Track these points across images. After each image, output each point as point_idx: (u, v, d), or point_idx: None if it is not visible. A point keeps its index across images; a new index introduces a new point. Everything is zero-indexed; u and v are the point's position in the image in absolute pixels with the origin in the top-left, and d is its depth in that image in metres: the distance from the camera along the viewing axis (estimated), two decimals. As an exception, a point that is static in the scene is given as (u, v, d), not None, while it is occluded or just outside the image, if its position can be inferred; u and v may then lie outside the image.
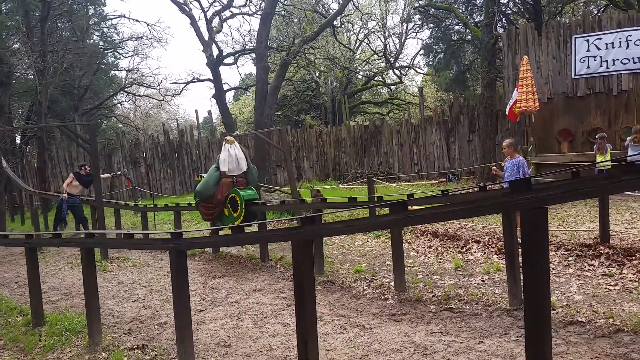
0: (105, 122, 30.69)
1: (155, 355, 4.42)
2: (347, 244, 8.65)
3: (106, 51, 28.69)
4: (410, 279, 6.11)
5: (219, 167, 7.58)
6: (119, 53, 30.25)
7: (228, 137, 7.97)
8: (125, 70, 31.29)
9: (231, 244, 7.50)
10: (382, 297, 5.60)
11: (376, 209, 7.70)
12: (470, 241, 7.66)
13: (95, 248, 5.59)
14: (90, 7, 27.15)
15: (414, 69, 31.90)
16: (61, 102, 24.43)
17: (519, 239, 5.63)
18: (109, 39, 29.43)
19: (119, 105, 33.81)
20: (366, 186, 11.36)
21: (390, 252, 6.62)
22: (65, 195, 11.25)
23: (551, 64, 12.81)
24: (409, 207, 4.99)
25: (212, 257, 8.67)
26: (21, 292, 7.13)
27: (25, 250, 5.83)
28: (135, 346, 4.56)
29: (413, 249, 7.83)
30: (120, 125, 31.91)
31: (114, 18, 28.72)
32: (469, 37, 22.46)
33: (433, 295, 5.48)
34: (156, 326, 5.26)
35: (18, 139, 23.57)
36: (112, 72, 30.62)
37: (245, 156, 7.72)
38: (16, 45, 22.60)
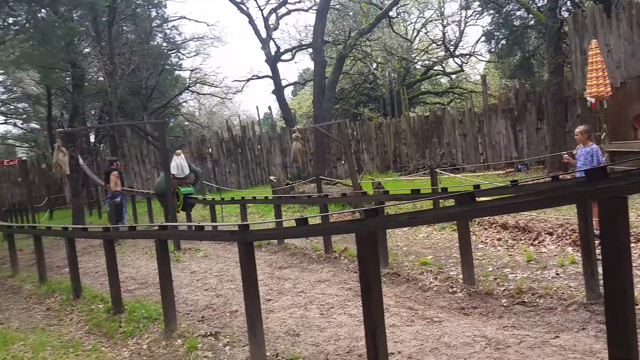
0: (172, 120, 31.91)
1: (228, 342, 4.58)
2: (411, 236, 8.56)
3: (170, 52, 29.76)
4: (480, 272, 5.97)
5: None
6: (181, 53, 31.30)
7: (177, 151, 11.41)
8: (188, 70, 32.37)
9: (296, 236, 7.62)
10: (450, 290, 5.51)
11: (440, 200, 7.57)
12: (542, 233, 7.37)
13: (169, 240, 5.85)
14: (152, 9, 28.21)
15: (475, 57, 30.90)
16: (130, 102, 25.63)
17: (595, 230, 5.37)
18: (171, 40, 30.50)
19: (184, 103, 35.05)
20: (428, 178, 11.17)
21: (457, 244, 6.49)
22: (118, 199, 11.44)
23: (623, 46, 12.03)
24: (477, 198, 4.89)
25: (277, 249, 8.85)
26: (101, 281, 7.58)
27: (103, 243, 6.19)
28: (209, 333, 4.74)
29: (481, 241, 7.63)
30: (186, 123, 33.08)
31: (175, 19, 29.72)
32: (532, 22, 21.48)
33: (504, 289, 5.32)
34: (228, 314, 5.44)
35: (92, 138, 25.00)
36: (177, 72, 31.74)
37: (188, 164, 11.38)
38: (87, 50, 23.93)
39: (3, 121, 30.60)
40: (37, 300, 6.92)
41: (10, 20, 21.93)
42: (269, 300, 5.72)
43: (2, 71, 26.42)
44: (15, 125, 31.32)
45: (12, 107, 29.25)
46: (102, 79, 22.87)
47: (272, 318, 5.11)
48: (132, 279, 7.58)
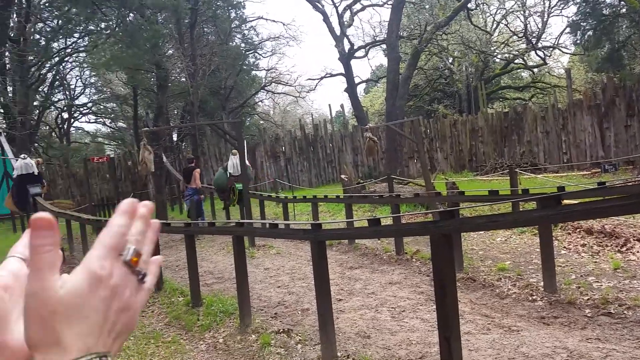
0: (248, 119, 32.88)
1: (300, 340, 4.66)
2: (488, 240, 8.26)
3: (247, 52, 30.64)
4: (562, 279, 5.65)
5: (226, 170, 11.96)
6: (258, 54, 32.13)
7: (233, 151, 11.82)
8: (264, 69, 33.18)
9: (368, 237, 7.59)
10: (530, 298, 5.26)
11: (520, 203, 7.25)
12: (631, 239, 6.84)
13: (244, 236, 6.03)
14: (231, 10, 29.16)
15: (559, 49, 29.22)
16: (210, 102, 26.70)
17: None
18: (249, 40, 31.39)
19: (260, 103, 36.00)
20: (507, 178, 10.72)
21: (538, 249, 6.19)
22: (200, 196, 12.35)
23: None
24: (562, 202, 4.62)
25: (348, 248, 8.87)
26: (181, 275, 7.97)
27: (184, 237, 6.50)
28: (281, 330, 4.84)
29: (564, 247, 7.22)
30: (261, 122, 33.96)
31: (253, 20, 30.54)
32: (624, 10, 19.94)
33: (588, 298, 5.01)
34: (299, 312, 5.53)
35: (175, 137, 26.31)
36: (253, 72, 32.62)
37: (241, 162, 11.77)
38: (170, 51, 25.19)
39: (93, 120, 33.03)
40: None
41: (102, 25, 23.60)
42: (340, 300, 5.75)
43: (94, 73, 28.55)
44: (104, 124, 33.73)
45: (101, 107, 31.50)
46: (184, 79, 23.97)
47: (342, 318, 5.13)
48: (210, 273, 7.90)
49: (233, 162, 12.02)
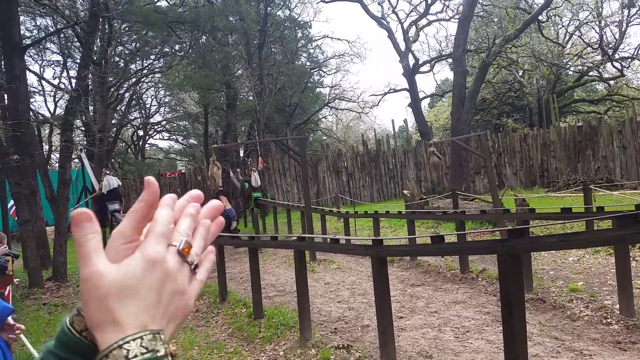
0: (311, 135, 33.34)
1: (360, 356, 4.62)
2: (560, 259, 7.85)
3: (312, 70, 31.19)
4: (640, 302, 5.27)
5: (247, 182, 16.11)
6: (323, 71, 32.62)
7: (253, 168, 16.34)
8: (328, 86, 33.60)
9: (431, 254, 7.43)
10: (604, 321, 4.93)
11: (595, 221, 6.87)
12: None
13: (306, 250, 6.10)
14: (298, 31, 29.87)
15: (638, 60, 27.49)
16: (275, 119, 27.36)
17: None
18: (314, 59, 31.96)
19: (323, 119, 36.42)
20: (581, 195, 10.15)
21: (613, 270, 5.83)
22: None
23: None
24: None
25: (409, 265, 8.72)
26: (244, 287, 8.15)
27: (248, 250, 6.66)
28: (341, 346, 4.83)
29: (643, 268, 6.73)
30: (324, 138, 34.33)
31: (318, 39, 31.11)
32: None
33: (672, 325, 4.63)
34: (359, 328, 5.49)
35: (242, 152, 27.13)
36: (318, 89, 33.14)
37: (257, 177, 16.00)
38: (239, 72, 26.13)
39: (167, 137, 34.74)
40: (189, 301, 7.66)
41: (177, 47, 24.91)
42: (401, 317, 5.65)
43: (168, 93, 30.12)
44: (177, 141, 35.38)
45: (174, 124, 33.11)
46: (251, 98, 24.75)
47: (403, 336, 5.04)
48: (272, 286, 8.03)
49: (254, 177, 15.79)
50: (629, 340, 4.42)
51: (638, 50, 27.38)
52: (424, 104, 34.06)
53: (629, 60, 27.35)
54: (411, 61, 25.99)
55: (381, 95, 31.17)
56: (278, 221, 15.18)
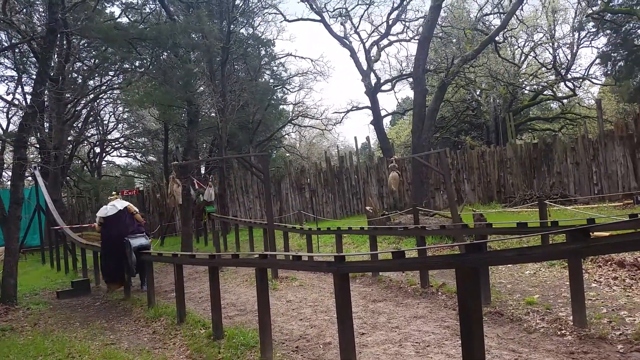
0: (274, 152, 33.29)
1: (321, 375, 4.56)
2: (517, 273, 8.03)
3: (276, 88, 31.28)
4: (592, 313, 5.43)
5: (199, 196, 15.70)
6: (286, 88, 32.77)
7: (210, 184, 16.40)
8: (292, 103, 33.74)
9: (393, 269, 7.48)
10: (559, 333, 5.06)
11: (550, 235, 7.07)
12: (668, 273, 6.56)
13: (267, 268, 6.02)
14: (261, 48, 29.96)
15: (589, 80, 28.88)
16: (238, 136, 27.18)
17: None
18: (278, 76, 32.09)
19: (286, 136, 36.45)
20: (537, 210, 10.48)
21: (567, 282, 6.00)
22: None
23: None
24: (592, 234, 4.47)
25: (372, 281, 8.74)
26: (204, 307, 7.96)
27: (208, 269, 6.52)
28: (302, 364, 4.76)
29: (595, 280, 6.96)
30: (287, 155, 34.33)
31: (282, 57, 31.29)
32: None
33: (620, 333, 4.79)
34: (321, 346, 5.44)
35: (203, 170, 26.77)
36: (281, 106, 33.21)
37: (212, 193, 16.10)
38: (201, 88, 25.91)
39: (125, 154, 33.99)
40: (145, 323, 7.41)
41: (137, 63, 24.52)
42: (363, 334, 5.64)
43: (127, 109, 29.54)
44: (135, 158, 34.63)
45: (133, 141, 32.43)
46: (214, 114, 24.53)
47: (365, 353, 5.02)
48: (233, 305, 7.88)
49: (209, 192, 16.23)
50: (581, 350, 4.54)
51: (588, 71, 28.77)
52: (386, 121, 34.68)
53: (580, 80, 28.67)
54: (373, 80, 26.45)
55: (344, 112, 31.52)
56: (240, 239, 15.00)
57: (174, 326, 6.84)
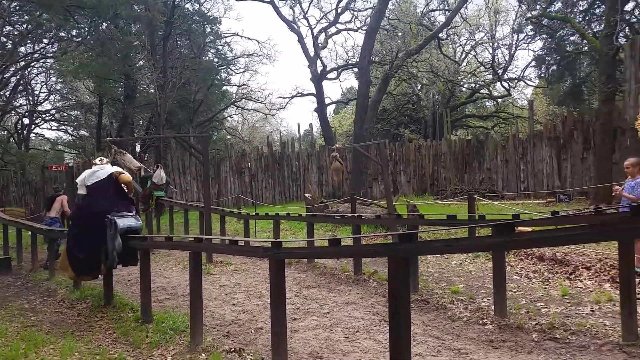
0: (215, 133, 32.67)
1: (251, 359, 4.58)
2: (444, 263, 8.39)
3: (220, 67, 30.60)
4: (512, 304, 5.77)
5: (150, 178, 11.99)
6: (231, 69, 32.14)
7: (160, 165, 12.55)
8: (236, 85, 33.19)
9: (328, 256, 7.60)
10: (480, 322, 5.34)
11: (477, 228, 7.40)
12: (580, 267, 7.08)
13: (202, 252, 5.93)
14: (207, 26, 29.15)
15: (523, 81, 30.35)
16: (177, 115, 26.45)
17: (636, 268, 5.12)
18: (222, 56, 31.38)
19: (228, 118, 35.86)
20: (466, 203, 10.94)
21: (491, 274, 6.33)
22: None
23: (682, 76, 11.52)
24: (516, 229, 4.73)
25: (306, 267, 8.84)
26: (133, 290, 7.76)
27: (139, 252, 6.33)
28: (233, 349, 4.75)
29: (516, 272, 7.40)
30: (229, 137, 33.80)
31: (228, 36, 30.60)
32: (586, 48, 20.93)
33: (536, 323, 5.13)
34: (253, 331, 5.45)
35: (138, 148, 25.87)
36: (224, 87, 32.57)
37: (165, 175, 12.08)
38: (141, 63, 24.91)
39: (55, 127, 32.16)
40: (70, 304, 7.11)
41: (74, 32, 23.19)
42: (295, 319, 5.70)
43: (60, 80, 27.92)
44: (66, 132, 32.82)
45: (65, 114, 30.72)
46: (153, 91, 23.69)
47: (296, 338, 5.08)
48: (163, 289, 7.72)
49: (160, 174, 13.17)
50: (501, 339, 4.82)
51: (523, 73, 30.20)
52: (330, 109, 34.86)
53: (516, 81, 30.05)
54: (319, 67, 26.47)
55: (289, 98, 31.39)
56: (174, 221, 14.66)
57: (101, 309, 6.62)
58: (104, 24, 22.52)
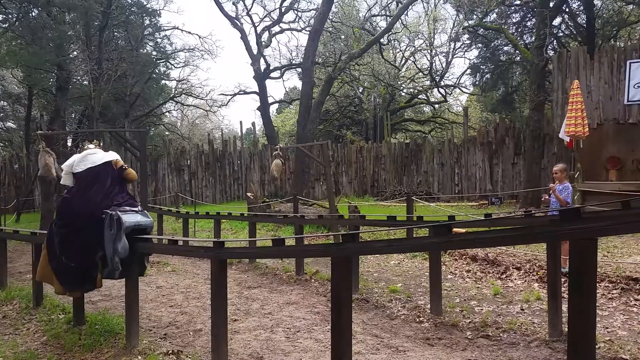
0: (153, 129, 31.67)
1: (189, 361, 4.49)
2: (383, 263, 8.58)
3: (159, 61, 29.70)
4: (447, 302, 6.00)
5: None
6: (170, 63, 31.25)
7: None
8: (175, 80, 32.30)
9: (272, 256, 7.58)
10: (417, 320, 5.51)
11: (415, 229, 7.62)
12: (510, 267, 7.46)
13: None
14: (145, 18, 28.21)
15: (459, 88, 31.58)
16: (112, 108, 25.40)
17: (562, 268, 5.45)
18: (162, 49, 30.46)
19: (167, 113, 34.84)
20: (404, 205, 11.25)
21: (427, 273, 6.53)
22: None
23: (603, 89, 12.39)
24: (452, 230, 4.92)
25: (248, 267, 8.76)
26: (65, 290, 7.39)
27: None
28: (170, 352, 4.64)
29: (451, 272, 7.69)
30: (167, 133, 32.87)
31: (167, 29, 29.75)
32: (518, 58, 22.11)
33: (470, 321, 5.35)
34: (191, 333, 5.34)
35: (70, 142, 24.63)
36: (163, 81, 31.62)
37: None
38: (75, 53, 23.72)
39: (-21, 118, 30.03)
40: (-6, 306, 6.70)
41: (0, 17, 21.69)
42: (235, 320, 5.64)
43: (-16, 67, 26.07)
44: (-9, 123, 30.73)
45: (-10, 104, 28.76)
46: (87, 83, 22.63)
47: (236, 339, 5.03)
48: (96, 290, 7.39)
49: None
50: (436, 336, 5.00)
51: (459, 80, 31.38)
52: (273, 109, 34.71)
53: (452, 87, 31.20)
54: (262, 66, 26.29)
55: (231, 95, 30.96)
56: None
57: (29, 310, 6.26)
58: (35, 10, 21.25)
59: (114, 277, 5.10)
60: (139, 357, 4.58)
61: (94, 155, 5.53)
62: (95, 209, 5.11)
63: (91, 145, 5.87)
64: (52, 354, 4.80)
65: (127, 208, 5.24)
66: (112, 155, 5.64)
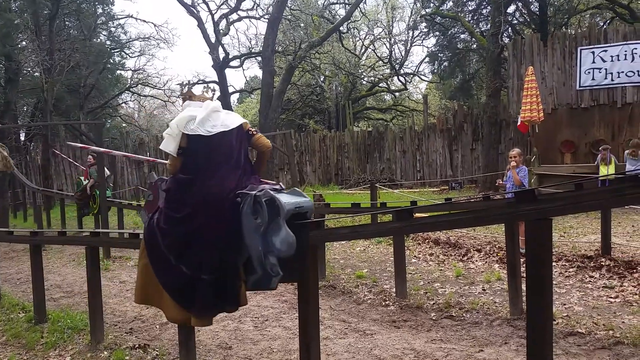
0: (109, 121, 30.80)
1: (157, 355, 4.45)
2: (349, 249, 8.68)
3: (113, 51, 28.84)
4: (412, 285, 6.14)
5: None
6: (125, 53, 30.39)
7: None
8: (131, 70, 31.39)
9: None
10: (383, 303, 5.62)
11: (379, 215, 7.74)
12: (471, 249, 7.68)
13: (100, 247, 5.62)
14: (98, 6, 27.30)
15: (418, 76, 32.00)
16: (66, 100, 24.55)
17: (520, 249, 5.66)
18: (116, 38, 29.58)
19: (123, 104, 33.91)
20: (368, 192, 11.38)
21: (392, 258, 6.65)
22: None
23: (556, 74, 12.85)
24: (414, 215, 5.03)
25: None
26: (23, 289, 7.17)
27: (29, 248, 5.86)
28: (137, 345, 4.59)
29: (414, 256, 7.86)
30: (124, 125, 32.04)
31: (121, 18, 28.86)
32: (475, 46, 22.57)
33: (434, 303, 5.51)
34: (158, 326, 5.29)
35: (22, 136, 23.68)
36: (118, 71, 30.75)
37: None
38: (24, 43, 22.71)
39: None
40: (-51, 307, 6.42)
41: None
42: (203, 311, 5.61)
43: None
44: None
45: None
46: (38, 74, 21.74)
47: (204, 330, 5.01)
48: (58, 287, 7.22)
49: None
50: (402, 319, 5.12)
51: (418, 68, 31.80)
52: (233, 98, 34.25)
53: (411, 75, 31.57)
54: (221, 54, 25.83)
55: (190, 85, 30.36)
56: (67, 215, 13.66)
57: (-16, 312, 6.04)
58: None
59: (269, 286, 3.44)
60: (105, 353, 4.51)
61: (225, 115, 3.75)
62: (229, 193, 3.40)
63: (208, 94, 4.02)
64: (13, 353, 4.66)
65: (267, 187, 3.43)
66: (240, 117, 3.89)
